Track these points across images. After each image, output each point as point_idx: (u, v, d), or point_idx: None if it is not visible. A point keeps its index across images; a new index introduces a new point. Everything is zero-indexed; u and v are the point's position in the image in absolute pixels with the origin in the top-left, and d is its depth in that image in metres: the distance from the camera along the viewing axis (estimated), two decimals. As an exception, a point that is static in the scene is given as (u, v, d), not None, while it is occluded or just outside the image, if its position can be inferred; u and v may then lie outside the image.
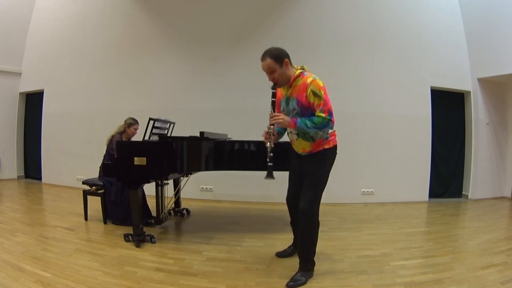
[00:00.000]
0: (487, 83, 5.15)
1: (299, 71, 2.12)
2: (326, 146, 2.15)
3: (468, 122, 5.31)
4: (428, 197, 5.05)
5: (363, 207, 4.62)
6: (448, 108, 5.31)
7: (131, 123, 3.62)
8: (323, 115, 1.99)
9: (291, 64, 2.13)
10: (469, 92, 5.26)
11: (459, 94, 5.35)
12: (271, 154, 2.07)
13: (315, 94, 2.00)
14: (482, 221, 3.87)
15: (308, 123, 2.01)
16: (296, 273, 2.19)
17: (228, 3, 5.05)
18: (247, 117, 4.82)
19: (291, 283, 2.10)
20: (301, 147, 2.19)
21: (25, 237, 2.89)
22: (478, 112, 5.16)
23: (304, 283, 2.13)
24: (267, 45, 5.43)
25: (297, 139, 2.17)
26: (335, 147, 2.20)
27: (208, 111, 4.98)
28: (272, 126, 2.05)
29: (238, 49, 5.02)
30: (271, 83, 2.13)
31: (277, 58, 2.06)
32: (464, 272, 2.31)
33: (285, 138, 2.79)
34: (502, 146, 5.38)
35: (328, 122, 2.01)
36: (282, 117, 2.04)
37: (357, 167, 4.89)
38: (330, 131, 2.18)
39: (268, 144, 2.08)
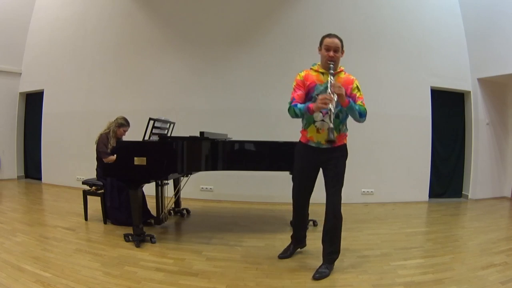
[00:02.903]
0: (487, 83, 5.15)
1: (343, 69, 2.34)
2: (345, 142, 2.35)
3: (468, 122, 5.30)
4: (428, 197, 5.05)
5: (363, 207, 4.62)
6: (448, 108, 5.31)
7: (122, 124, 3.55)
8: (364, 106, 2.19)
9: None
10: (469, 92, 5.25)
11: (459, 94, 5.35)
12: (332, 121, 2.06)
13: (358, 88, 2.24)
14: (482, 221, 3.87)
15: (356, 106, 2.16)
16: (321, 265, 2.30)
17: (228, 4, 5.05)
18: (247, 117, 4.83)
19: (317, 275, 2.22)
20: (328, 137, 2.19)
21: (25, 237, 2.89)
22: (478, 112, 5.16)
23: (328, 274, 2.25)
24: (267, 46, 5.46)
25: (328, 128, 2.13)
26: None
27: (208, 111, 4.98)
28: (335, 96, 2.06)
29: (238, 49, 5.02)
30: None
31: (342, 44, 2.30)
32: (464, 272, 2.31)
33: (288, 138, 2.77)
34: (502, 146, 5.38)
35: (365, 115, 2.20)
36: (343, 89, 2.10)
37: (357, 167, 4.87)
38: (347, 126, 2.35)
39: (330, 106, 2.03)
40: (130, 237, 2.88)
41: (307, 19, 4.96)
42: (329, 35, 2.27)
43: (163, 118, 3.47)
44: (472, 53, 5.17)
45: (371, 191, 4.91)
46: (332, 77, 2.13)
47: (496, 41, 4.76)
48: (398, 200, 4.90)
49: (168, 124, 3.74)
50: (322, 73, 2.27)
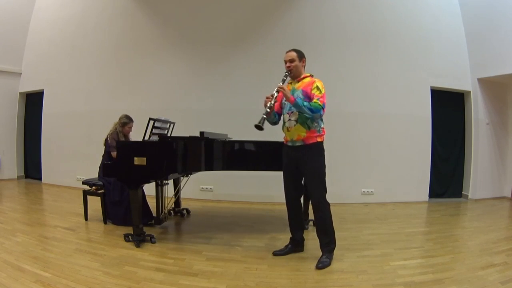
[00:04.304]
0: (487, 83, 5.15)
1: (309, 74, 2.56)
2: (319, 139, 2.47)
3: (468, 122, 5.30)
4: (428, 197, 5.05)
5: (363, 207, 4.62)
6: (448, 108, 5.30)
7: (125, 122, 3.58)
8: (319, 102, 2.34)
9: (304, 66, 2.58)
10: (469, 92, 5.25)
11: (459, 94, 5.34)
12: (268, 110, 2.36)
13: (318, 88, 2.40)
14: (482, 221, 3.87)
15: (305, 103, 2.35)
16: (322, 256, 2.45)
17: (228, 4, 5.05)
18: (247, 117, 4.76)
19: (320, 265, 2.37)
20: (297, 133, 2.45)
21: (25, 237, 2.89)
22: (478, 112, 5.16)
23: (329, 264, 2.42)
24: (267, 46, 5.46)
25: (295, 125, 2.45)
26: (323, 142, 2.52)
27: (208, 111, 4.98)
28: (276, 93, 2.38)
29: (238, 49, 5.02)
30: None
31: (299, 54, 2.54)
32: (464, 272, 2.31)
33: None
34: (502, 146, 5.38)
35: (320, 109, 2.34)
36: (287, 88, 2.41)
37: (357, 167, 4.89)
38: (322, 125, 2.50)
39: (269, 104, 2.37)
40: (130, 237, 2.88)
41: (307, 19, 4.96)
42: (288, 50, 2.56)
43: (163, 118, 3.48)
44: (472, 53, 5.17)
45: (371, 191, 4.91)
46: (281, 82, 2.43)
47: (496, 41, 4.75)
48: (398, 200, 4.90)
49: (168, 124, 3.74)
50: (290, 83, 2.59)
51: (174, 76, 5.18)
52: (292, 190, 2.62)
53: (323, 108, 2.34)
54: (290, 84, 2.58)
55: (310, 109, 2.32)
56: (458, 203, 5.01)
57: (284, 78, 2.47)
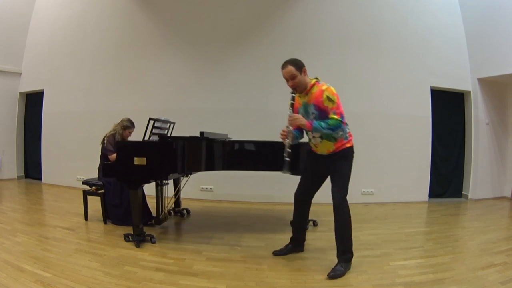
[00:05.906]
0: (487, 83, 5.15)
1: (314, 80, 2.37)
2: (348, 145, 2.38)
3: (468, 122, 5.30)
4: (428, 197, 5.05)
5: (363, 207, 4.62)
6: (448, 108, 5.31)
7: (127, 126, 3.56)
8: (335, 117, 2.23)
9: (306, 73, 2.36)
10: (469, 92, 5.25)
11: (459, 94, 5.35)
12: (289, 150, 2.25)
13: (329, 99, 2.25)
14: (482, 221, 3.87)
15: (323, 124, 2.22)
16: (337, 264, 2.31)
17: (228, 4, 5.05)
18: (247, 117, 4.83)
19: (331, 273, 2.22)
20: (326, 148, 2.37)
21: (25, 237, 2.89)
22: (478, 112, 5.16)
23: (343, 274, 2.25)
24: (268, 46, 5.46)
25: (321, 142, 2.36)
26: (352, 146, 2.43)
27: (208, 111, 4.98)
28: (290, 128, 2.28)
29: (239, 50, 5.02)
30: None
31: (297, 66, 2.29)
32: (464, 272, 2.31)
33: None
34: (502, 146, 5.38)
35: (340, 124, 2.23)
36: (299, 118, 2.28)
37: (357, 167, 4.82)
38: (347, 130, 2.39)
39: (286, 141, 2.26)
40: (130, 237, 2.88)
41: (308, 20, 4.96)
42: (282, 66, 2.33)
43: (163, 118, 3.48)
44: (472, 53, 5.17)
45: (371, 191, 4.91)
46: (290, 108, 2.31)
47: (496, 41, 4.75)
48: (398, 200, 4.90)
49: (168, 124, 3.74)
50: (299, 96, 2.42)
51: (174, 76, 5.18)
52: (307, 188, 2.55)
53: (342, 122, 2.23)
54: (299, 98, 2.41)
55: (330, 129, 2.21)
56: (458, 203, 5.01)
57: (293, 101, 2.34)
